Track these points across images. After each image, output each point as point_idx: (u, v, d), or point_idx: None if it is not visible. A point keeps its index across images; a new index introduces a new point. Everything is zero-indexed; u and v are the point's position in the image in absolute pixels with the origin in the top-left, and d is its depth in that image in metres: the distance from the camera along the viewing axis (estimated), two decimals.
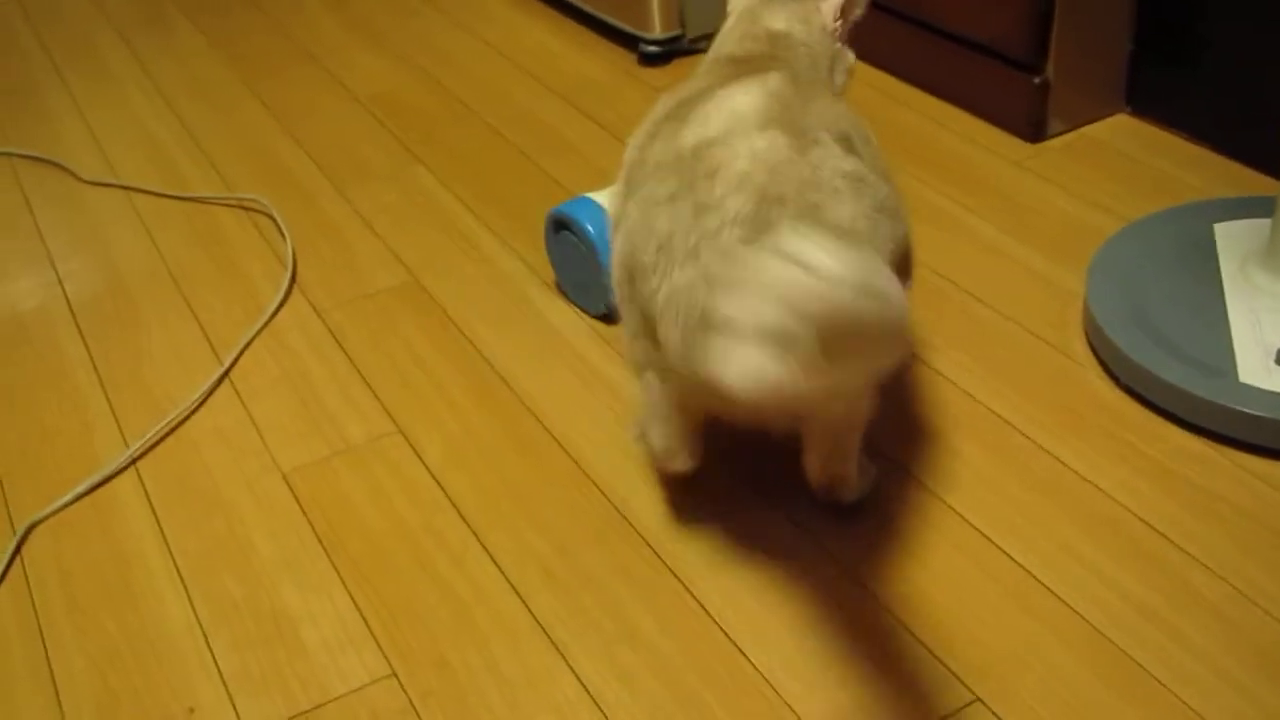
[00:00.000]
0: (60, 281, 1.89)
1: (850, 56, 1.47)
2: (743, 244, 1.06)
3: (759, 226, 1.06)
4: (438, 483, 1.45)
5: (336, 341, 1.69)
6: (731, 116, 1.14)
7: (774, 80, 1.19)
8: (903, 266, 1.23)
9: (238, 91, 2.41)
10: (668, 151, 1.16)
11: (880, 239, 1.14)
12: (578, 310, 1.70)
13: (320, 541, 1.39)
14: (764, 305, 0.82)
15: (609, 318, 1.66)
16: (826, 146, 1.13)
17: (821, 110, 1.19)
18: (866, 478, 1.35)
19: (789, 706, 1.16)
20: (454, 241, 1.89)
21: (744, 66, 1.27)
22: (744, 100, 1.16)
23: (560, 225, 1.66)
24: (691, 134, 1.15)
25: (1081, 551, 1.29)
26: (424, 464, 1.48)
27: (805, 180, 1.09)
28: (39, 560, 1.40)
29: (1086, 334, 1.57)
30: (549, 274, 1.77)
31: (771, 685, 1.18)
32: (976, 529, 1.33)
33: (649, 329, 1.15)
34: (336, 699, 1.21)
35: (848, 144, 1.17)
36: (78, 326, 1.78)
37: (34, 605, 1.35)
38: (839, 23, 1.43)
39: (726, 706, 1.17)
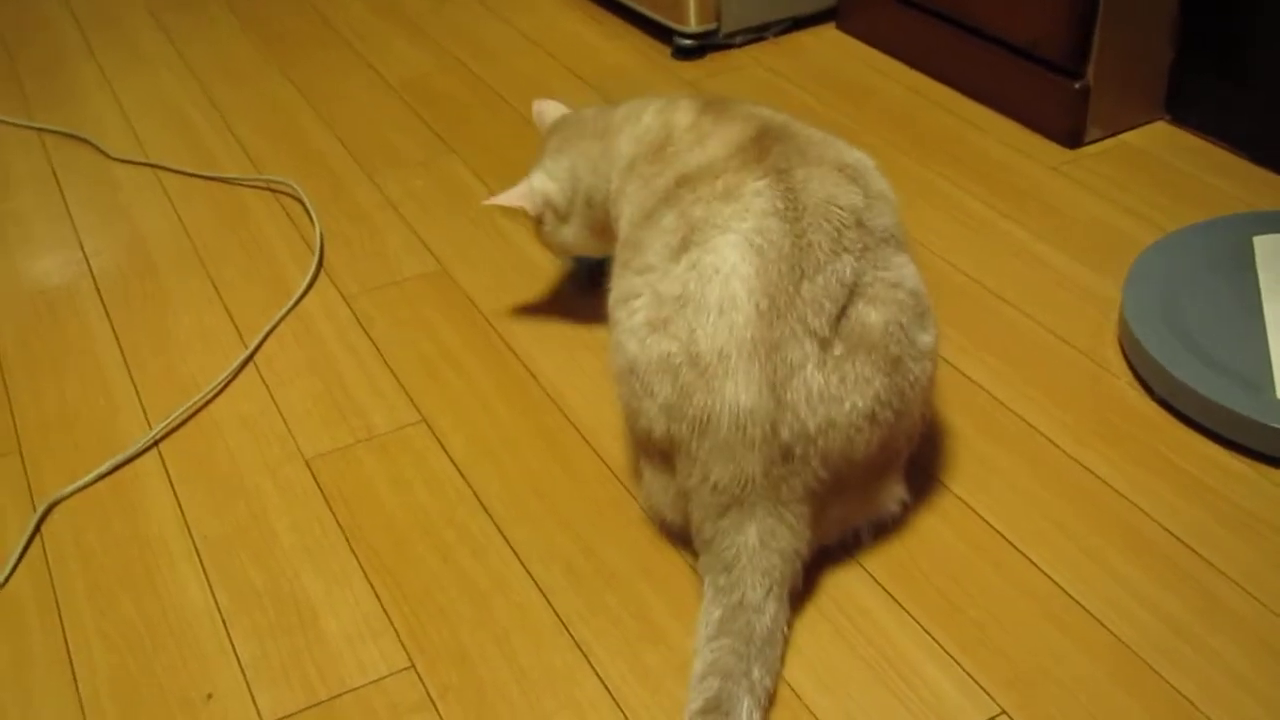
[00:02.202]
0: (87, 259, 1.88)
1: None
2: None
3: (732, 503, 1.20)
4: (462, 475, 1.44)
5: (363, 329, 1.68)
6: (723, 319, 1.17)
7: (770, 225, 1.20)
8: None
9: (269, 73, 2.40)
10: (661, 279, 1.23)
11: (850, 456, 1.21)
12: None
13: (342, 530, 1.38)
14: None
15: None
16: (805, 364, 1.17)
17: (818, 255, 1.20)
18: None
19: (811, 712, 1.15)
20: (484, 231, 1.87)
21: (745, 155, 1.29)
22: (739, 289, 1.17)
23: None
24: (686, 301, 1.20)
25: (1111, 563, 1.28)
26: (449, 455, 1.46)
27: (777, 477, 1.18)
28: (59, 540, 1.39)
29: (1121, 344, 1.55)
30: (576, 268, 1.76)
31: (792, 688, 1.17)
32: (1005, 538, 1.31)
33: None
34: (354, 690, 1.20)
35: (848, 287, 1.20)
36: (103, 304, 1.77)
37: (53, 585, 1.34)
38: None
39: None
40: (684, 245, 1.22)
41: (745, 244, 1.18)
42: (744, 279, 1.17)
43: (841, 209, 1.21)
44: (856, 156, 1.32)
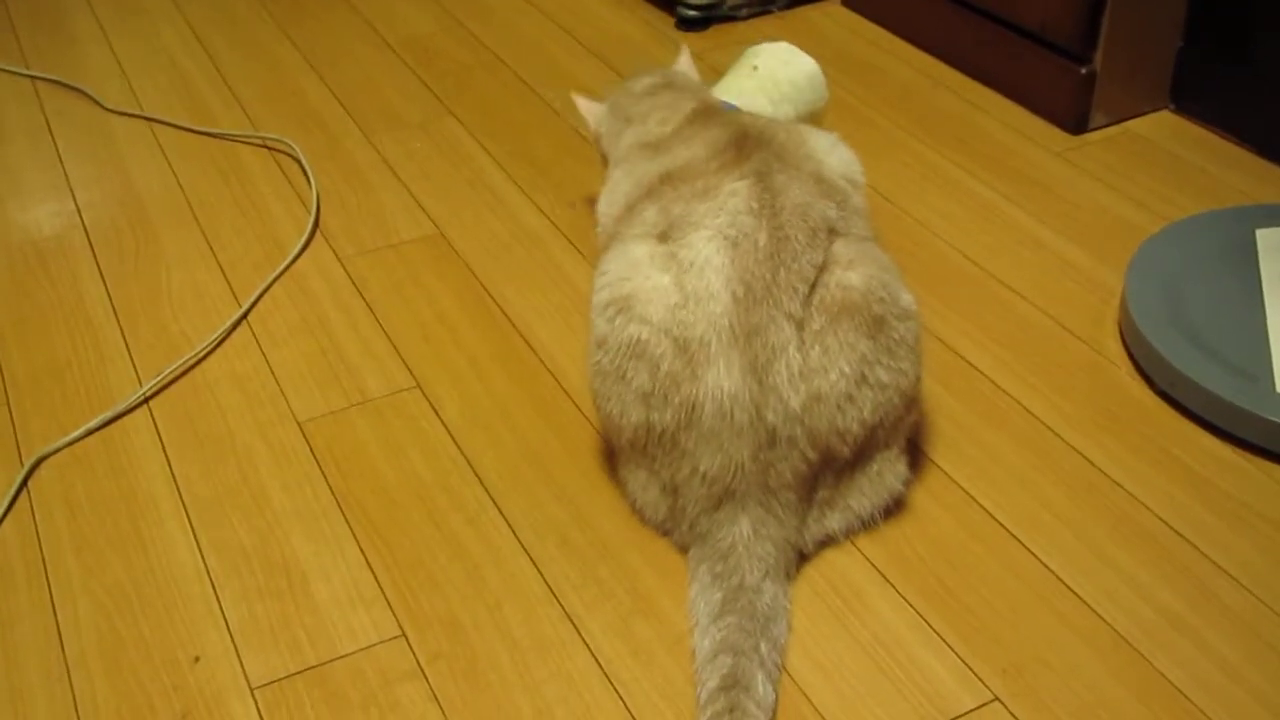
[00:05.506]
0: (79, 211, 1.86)
1: None
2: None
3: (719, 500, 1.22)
4: (455, 442, 1.42)
5: (358, 291, 1.67)
6: (700, 308, 1.17)
7: (744, 221, 1.21)
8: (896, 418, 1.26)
9: (268, 30, 2.38)
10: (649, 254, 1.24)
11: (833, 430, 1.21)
12: None
13: (334, 494, 1.36)
14: None
15: None
16: (787, 347, 1.17)
17: (793, 244, 1.20)
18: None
19: (804, 694, 1.14)
20: (480, 195, 1.86)
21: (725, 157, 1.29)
22: (714, 280, 1.18)
23: None
24: (671, 286, 1.20)
25: (1108, 553, 1.27)
26: (442, 421, 1.45)
27: (764, 463, 1.19)
28: (47, 495, 1.38)
29: (1122, 333, 1.54)
30: (575, 233, 1.75)
31: (786, 669, 1.16)
32: (1002, 525, 1.30)
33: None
34: (344, 657, 1.19)
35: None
36: (95, 258, 1.75)
37: (40, 541, 1.32)
38: None
39: None
40: (662, 238, 1.24)
41: (719, 237, 1.20)
42: (718, 269, 1.18)
43: (815, 214, 1.23)
44: (835, 164, 1.33)
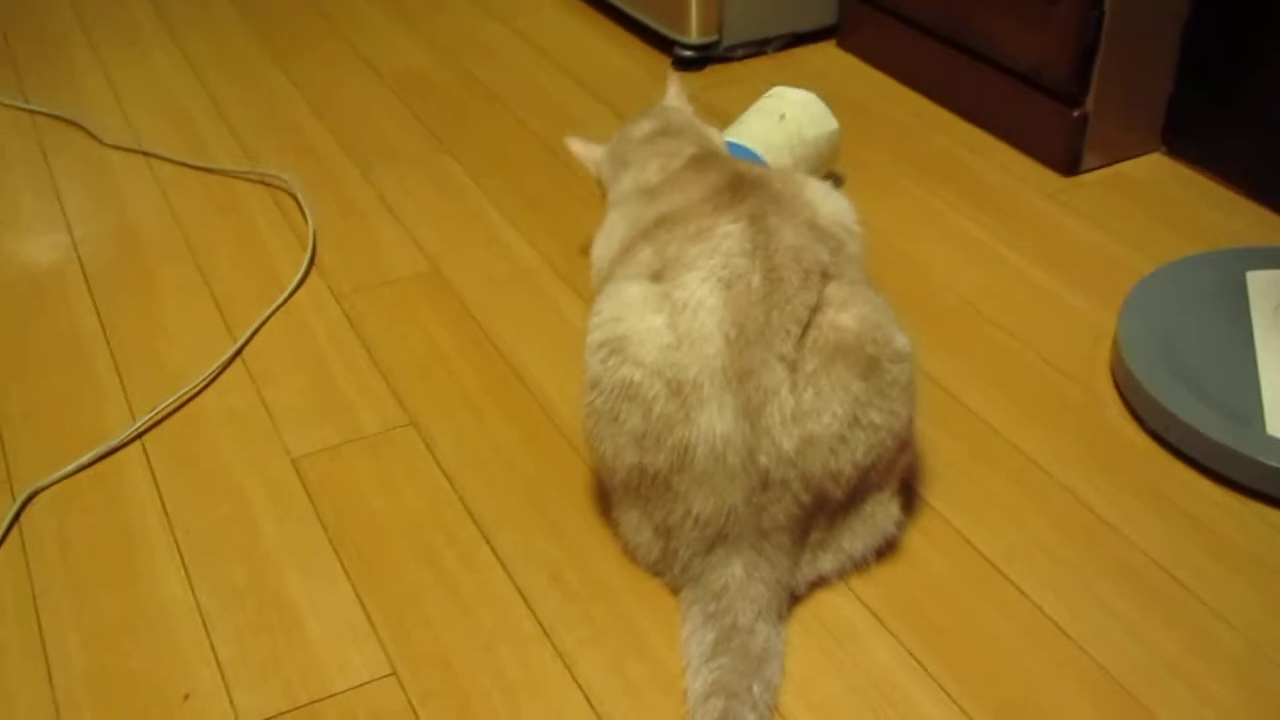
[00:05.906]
0: (75, 245, 1.86)
1: None
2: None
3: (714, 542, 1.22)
4: (449, 479, 1.42)
5: (353, 327, 1.67)
6: (693, 350, 1.17)
7: (738, 263, 1.21)
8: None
9: (265, 64, 2.39)
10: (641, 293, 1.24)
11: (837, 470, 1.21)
12: None
13: (326, 531, 1.36)
14: None
15: None
16: (780, 389, 1.17)
17: (786, 286, 1.21)
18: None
19: None
20: (476, 232, 1.86)
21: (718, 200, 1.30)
22: (708, 321, 1.18)
23: None
24: (663, 326, 1.20)
25: (1102, 595, 1.27)
26: (436, 459, 1.45)
27: (757, 505, 1.18)
28: (39, 530, 1.37)
29: (1114, 374, 1.55)
30: (570, 271, 1.75)
31: (781, 713, 1.16)
32: (995, 566, 1.30)
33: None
34: (335, 695, 1.19)
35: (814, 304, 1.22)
36: (90, 291, 1.75)
37: (30, 576, 1.32)
38: None
39: None
40: (655, 278, 1.24)
41: (713, 279, 1.20)
42: (711, 310, 1.18)
43: (809, 257, 1.23)
44: (830, 211, 1.34)
